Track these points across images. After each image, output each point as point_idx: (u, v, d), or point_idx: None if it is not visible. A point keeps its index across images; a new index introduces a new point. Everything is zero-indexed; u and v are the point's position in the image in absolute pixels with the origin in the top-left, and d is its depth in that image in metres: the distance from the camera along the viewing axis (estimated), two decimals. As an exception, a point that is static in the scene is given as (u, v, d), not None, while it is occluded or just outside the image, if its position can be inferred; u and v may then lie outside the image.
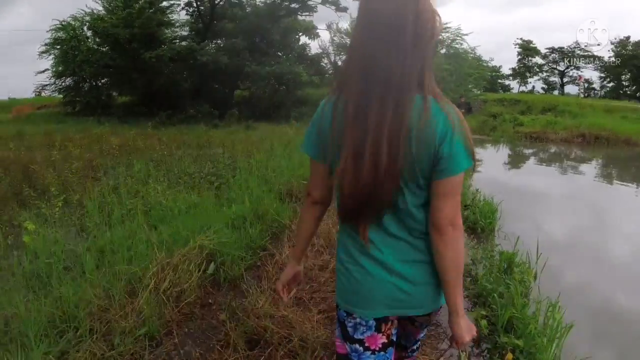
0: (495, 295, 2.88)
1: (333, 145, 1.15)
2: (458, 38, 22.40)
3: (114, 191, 5.47)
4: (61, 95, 26.08)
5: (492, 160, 12.12)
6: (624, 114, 25.81)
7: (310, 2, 22.44)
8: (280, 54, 23.68)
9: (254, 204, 4.52)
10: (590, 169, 11.84)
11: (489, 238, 4.50)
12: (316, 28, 25.27)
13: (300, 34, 25.50)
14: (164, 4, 24.95)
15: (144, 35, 21.27)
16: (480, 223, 4.65)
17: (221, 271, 3.29)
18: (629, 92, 58.55)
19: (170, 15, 25.29)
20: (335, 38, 25.51)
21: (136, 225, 3.91)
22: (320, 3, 22.34)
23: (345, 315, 1.29)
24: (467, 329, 1.24)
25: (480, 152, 13.67)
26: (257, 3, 23.94)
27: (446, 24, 21.98)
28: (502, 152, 13.87)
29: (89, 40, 24.61)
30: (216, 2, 22.62)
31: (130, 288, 2.91)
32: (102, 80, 25.81)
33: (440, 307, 1.29)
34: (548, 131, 16.27)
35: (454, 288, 1.19)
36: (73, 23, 24.82)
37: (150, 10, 23.17)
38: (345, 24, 24.70)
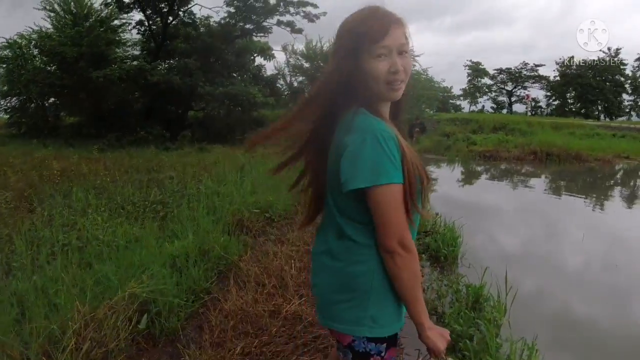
0: (467, 340, 2.58)
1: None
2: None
3: (48, 224, 4.95)
4: (7, 116, 24.78)
5: (448, 180, 12.12)
6: (571, 130, 26.89)
7: (265, 24, 22.29)
8: (235, 74, 23.31)
9: (199, 238, 4.08)
10: (545, 184, 12.13)
11: (453, 267, 4.26)
12: (272, 49, 25.17)
13: (255, 54, 25.29)
14: (115, 22, 24.40)
15: (92, 54, 20.44)
16: (442, 251, 4.39)
17: (157, 323, 2.83)
18: (574, 109, 61.35)
19: (122, 34, 24.79)
20: (290, 59, 25.47)
21: (66, 265, 3.41)
22: (275, 24, 22.24)
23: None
24: (439, 338, 1.23)
25: (436, 172, 13.71)
26: (211, 23, 23.60)
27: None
28: (457, 171, 13.96)
29: (36, 59, 23.56)
30: (168, 21, 22.04)
31: (45, 350, 2.43)
32: (50, 101, 24.74)
33: (354, 340, 1.23)
34: (500, 149, 16.58)
35: (413, 307, 1.20)
36: (20, 41, 23.79)
37: (101, 29, 22.46)
38: (300, 46, 24.74)
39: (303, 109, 1.32)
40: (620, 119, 55.80)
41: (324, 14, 21.78)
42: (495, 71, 69.23)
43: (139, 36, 24.48)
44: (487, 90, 70.56)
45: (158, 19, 22.39)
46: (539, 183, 12.18)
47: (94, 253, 4.00)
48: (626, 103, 61.42)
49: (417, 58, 23.11)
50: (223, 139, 19.88)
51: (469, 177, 13.30)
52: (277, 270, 3.50)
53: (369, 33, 1.17)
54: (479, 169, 14.42)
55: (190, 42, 21.68)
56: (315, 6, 21.24)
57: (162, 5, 21.62)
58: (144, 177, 9.90)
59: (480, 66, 69.47)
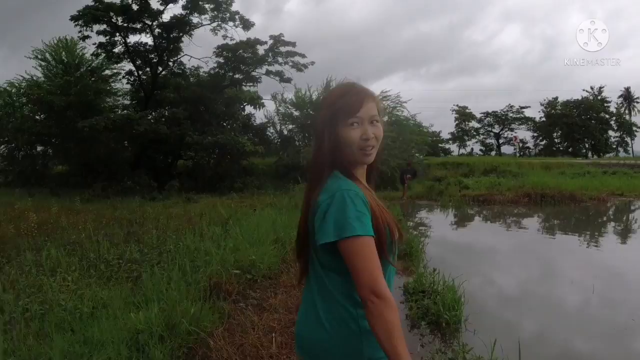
0: None
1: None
2: (398, 105, 22.90)
3: (11, 286, 4.53)
4: (-4, 164, 24.54)
5: (442, 226, 11.68)
6: (561, 170, 26.92)
7: (254, 73, 22.45)
8: (224, 123, 23.24)
9: (168, 307, 3.60)
10: (545, 227, 11.72)
11: (457, 335, 3.76)
12: (261, 98, 25.24)
13: (245, 103, 25.38)
14: (107, 72, 24.53)
15: (80, 103, 20.41)
16: (444, 316, 3.91)
17: None
18: (561, 148, 62.25)
19: (112, 84, 24.90)
20: (280, 108, 25.53)
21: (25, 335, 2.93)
22: (264, 74, 22.41)
23: None
24: None
25: (430, 218, 13.36)
26: (201, 73, 23.78)
27: (387, 91, 22.54)
28: (452, 217, 13.53)
29: (25, 107, 23.59)
30: (158, 71, 22.15)
31: None
32: (38, 149, 24.54)
33: None
34: (494, 193, 16.28)
35: (394, 356, 1.16)
36: (9, 89, 23.84)
37: (92, 79, 22.56)
38: (290, 94, 24.87)
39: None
40: (608, 155, 56.55)
41: (312, 63, 22.04)
42: (482, 114, 70.65)
43: (129, 86, 24.64)
44: (475, 133, 71.69)
45: (147, 69, 22.48)
46: (537, 225, 11.83)
47: (55, 321, 3.56)
48: (612, 140, 62.35)
49: (405, 104, 23.28)
50: (213, 188, 19.53)
51: (463, 222, 12.89)
52: (254, 348, 3.00)
53: (344, 107, 1.35)
54: (473, 214, 14.05)
55: (180, 92, 21.69)
56: (303, 56, 21.54)
57: (152, 56, 21.80)
58: (124, 230, 9.46)
59: (467, 110, 70.89)
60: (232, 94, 23.09)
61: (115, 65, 23.40)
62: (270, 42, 21.11)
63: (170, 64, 22.87)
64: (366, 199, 1.26)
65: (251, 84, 22.73)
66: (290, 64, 21.60)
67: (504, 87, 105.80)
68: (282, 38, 20.77)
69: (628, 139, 61.74)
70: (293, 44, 20.86)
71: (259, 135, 24.58)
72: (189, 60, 24.08)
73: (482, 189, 17.64)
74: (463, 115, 71.24)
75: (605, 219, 13.58)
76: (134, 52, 21.29)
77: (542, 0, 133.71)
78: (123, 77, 23.60)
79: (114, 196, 17.37)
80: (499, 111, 69.30)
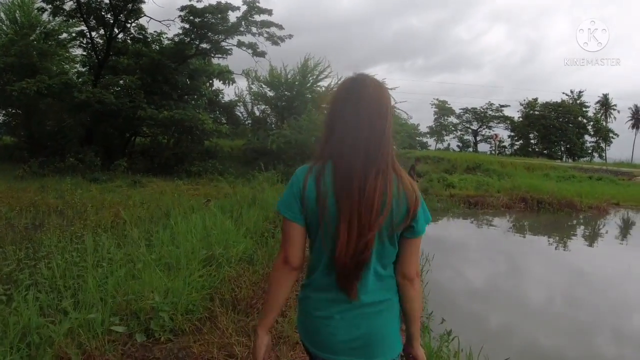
0: None
1: (321, 212, 1.32)
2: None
3: None
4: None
5: (439, 241, 9.63)
6: (545, 171, 25.82)
7: (224, 44, 19.95)
8: (187, 98, 20.74)
9: None
10: (570, 249, 9.70)
11: None
12: (232, 73, 22.84)
13: (213, 78, 22.90)
14: (65, 35, 21.66)
15: (21, 65, 17.60)
16: None
17: None
18: (537, 150, 62.10)
19: (72, 50, 22.16)
20: (253, 86, 23.09)
21: None
22: (235, 45, 19.92)
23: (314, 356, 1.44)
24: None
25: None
26: (165, 41, 21.10)
27: (372, 75, 20.49)
28: (445, 226, 11.51)
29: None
30: (114, 34, 19.34)
31: None
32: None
33: (398, 356, 1.43)
34: (485, 195, 14.49)
35: (418, 322, 1.47)
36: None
37: (48, 43, 19.78)
38: (264, 72, 22.45)
39: None
40: (582, 159, 56.52)
41: (290, 36, 19.70)
42: (461, 110, 70.10)
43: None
44: (453, 128, 71.10)
45: (102, 30, 19.67)
46: (550, 242, 9.96)
47: None
48: (588, 144, 62.40)
49: (391, 91, 21.29)
50: (170, 170, 17.20)
51: (463, 236, 10.75)
52: None
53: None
54: (465, 219, 12.17)
55: (136, 59, 19.06)
56: (280, 27, 19.13)
57: (108, 16, 18.98)
58: (29, 222, 7.36)
59: (447, 105, 70.06)
60: (198, 66, 20.65)
61: (75, 28, 20.66)
62: (243, 8, 18.62)
63: (129, 26, 20.06)
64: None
65: (220, 55, 20.25)
66: (265, 35, 19.20)
67: (484, 87, 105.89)
68: (258, 4, 18.28)
69: (603, 145, 61.87)
70: (269, 12, 18.43)
71: (227, 114, 22.19)
72: (148, 22, 21.13)
73: (469, 189, 15.91)
74: (442, 109, 70.56)
75: (620, 233, 11.88)
76: (87, 10, 18.42)
77: (529, 4, 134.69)
78: (74, 38, 20.71)
79: (53, 174, 14.95)
80: (478, 108, 68.85)
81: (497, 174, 22.04)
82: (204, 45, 19.99)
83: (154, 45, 20.71)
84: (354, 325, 1.37)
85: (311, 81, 22.10)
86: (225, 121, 22.37)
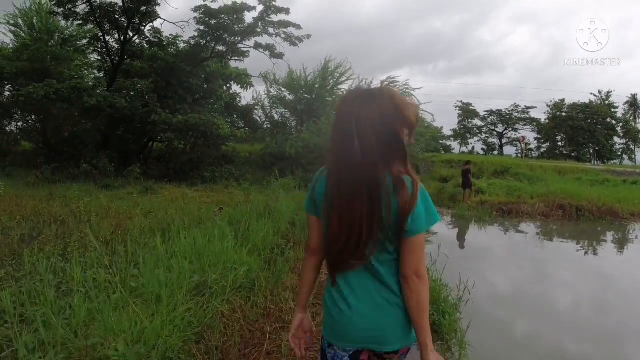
0: None
1: (325, 205, 1.48)
2: (406, 93, 19.97)
3: None
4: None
5: (474, 258, 8.64)
6: (577, 175, 24.51)
7: (240, 46, 19.38)
8: (204, 102, 20.22)
9: None
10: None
11: None
12: (249, 76, 22.29)
13: (231, 82, 22.37)
14: (84, 42, 21.41)
15: (34, 70, 17.36)
16: None
17: None
18: (565, 152, 60.33)
19: (91, 56, 21.95)
20: (271, 89, 22.43)
21: None
22: (252, 47, 19.33)
23: (327, 345, 1.57)
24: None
25: (449, 239, 10.30)
26: (180, 44, 20.64)
27: (394, 77, 19.70)
28: (478, 238, 10.44)
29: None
30: (128, 37, 18.93)
31: None
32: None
33: (409, 347, 1.52)
34: (519, 202, 13.40)
35: (420, 327, 1.45)
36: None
37: (66, 49, 19.60)
38: (283, 74, 21.81)
39: None
40: (612, 162, 54.51)
41: (308, 36, 19.00)
42: (486, 112, 68.63)
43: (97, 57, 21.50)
44: (477, 131, 69.65)
45: (117, 34, 19.29)
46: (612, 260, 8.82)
47: None
48: (617, 146, 60.17)
49: (413, 92, 20.45)
50: (186, 176, 16.66)
51: (502, 250, 9.53)
52: None
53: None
54: (500, 227, 11.13)
55: (150, 62, 18.61)
56: (298, 27, 18.45)
57: (123, 19, 18.59)
58: (25, 232, 6.83)
59: (471, 107, 68.64)
60: (215, 69, 20.13)
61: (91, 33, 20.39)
62: (260, 8, 17.99)
63: (144, 29, 19.67)
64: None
65: (237, 58, 19.67)
66: (283, 36, 18.54)
67: (509, 87, 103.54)
68: (274, 3, 17.61)
69: (633, 146, 59.47)
70: (286, 11, 17.74)
71: (245, 118, 21.58)
72: (162, 25, 20.73)
73: (500, 195, 14.84)
74: (467, 112, 69.16)
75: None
76: (100, 14, 18.05)
77: (553, 5, 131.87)
78: (89, 43, 20.42)
79: (65, 181, 14.59)
80: (503, 110, 67.29)
81: (528, 178, 20.89)
82: (220, 48, 19.46)
83: (170, 49, 20.27)
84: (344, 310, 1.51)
85: (332, 84, 21.38)
86: (243, 125, 21.77)
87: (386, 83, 19.80)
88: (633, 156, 58.89)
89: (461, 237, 10.11)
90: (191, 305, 3.22)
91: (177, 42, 20.43)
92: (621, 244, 10.34)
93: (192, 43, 19.31)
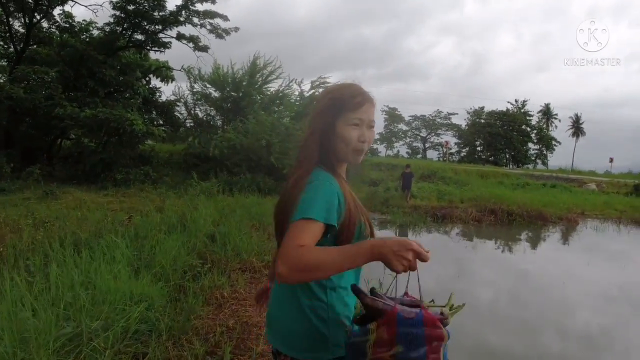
0: None
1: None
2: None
3: None
4: None
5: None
6: (498, 179, 25.55)
7: (161, 35, 17.78)
8: (118, 96, 18.36)
9: None
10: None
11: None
12: (171, 69, 20.60)
13: (150, 75, 20.56)
14: None
15: None
16: None
17: None
18: (483, 157, 63.69)
19: None
20: (195, 85, 20.83)
21: None
22: (174, 38, 17.81)
23: None
24: (396, 248, 1.08)
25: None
26: (93, 30, 18.58)
27: (325, 77, 19.04)
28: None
29: None
30: (35, 21, 16.66)
31: None
32: None
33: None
34: (449, 205, 13.22)
35: (346, 263, 1.10)
36: None
37: None
38: (209, 69, 20.32)
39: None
40: (526, 166, 58.23)
41: (236, 29, 17.84)
42: (411, 117, 70.93)
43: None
44: (403, 135, 71.76)
45: (22, 17, 16.95)
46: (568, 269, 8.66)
47: None
48: (532, 152, 64.49)
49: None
50: (96, 179, 14.84)
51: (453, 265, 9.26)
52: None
53: (347, 102, 1.34)
54: (443, 234, 10.75)
55: (57, 49, 16.52)
56: (225, 18, 17.24)
57: (30, 0, 16.29)
58: None
59: (397, 112, 70.51)
60: (132, 60, 18.34)
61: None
62: (183, -6, 16.54)
63: (53, 12, 17.48)
64: (342, 192, 1.28)
65: (157, 48, 18.05)
66: (209, 27, 17.23)
67: (432, 94, 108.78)
68: (200, -9, 16.29)
69: (546, 152, 64.04)
70: (212, 0, 16.48)
71: (165, 115, 19.91)
72: (72, 7, 18.58)
73: (432, 199, 14.66)
74: (393, 116, 70.95)
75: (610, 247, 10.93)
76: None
77: (476, 19, 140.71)
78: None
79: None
80: (427, 115, 69.91)
81: (454, 182, 21.24)
82: (138, 37, 17.76)
83: (83, 36, 18.20)
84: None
85: (260, 82, 20.29)
86: (162, 123, 20.07)
87: (317, 83, 19.13)
88: (546, 161, 63.36)
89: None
90: None
91: (91, 28, 18.38)
92: (556, 246, 10.44)
93: (107, 30, 17.44)
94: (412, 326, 1.07)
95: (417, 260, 1.07)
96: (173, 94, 20.30)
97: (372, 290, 1.17)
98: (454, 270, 7.31)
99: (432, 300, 1.18)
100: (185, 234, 5.32)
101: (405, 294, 1.22)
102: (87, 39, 17.89)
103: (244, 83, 19.46)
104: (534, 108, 66.76)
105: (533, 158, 64.22)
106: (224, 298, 3.74)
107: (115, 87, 17.89)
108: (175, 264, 4.25)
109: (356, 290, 1.15)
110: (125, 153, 15.99)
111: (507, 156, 64.07)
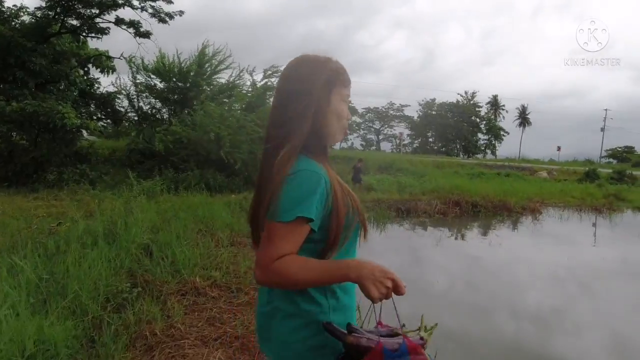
0: None
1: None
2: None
3: None
4: None
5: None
6: (454, 169, 25.71)
7: (98, 20, 16.25)
8: (51, 87, 16.68)
9: None
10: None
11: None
12: (112, 59, 19.01)
13: (88, 64, 18.91)
14: None
15: None
16: None
17: None
18: (435, 148, 64.97)
19: None
20: (138, 76, 19.29)
21: None
22: (113, 23, 16.31)
23: None
24: (377, 274, 1.06)
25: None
26: (24, 16, 16.77)
27: (277, 67, 18.07)
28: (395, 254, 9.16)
29: None
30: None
31: None
32: None
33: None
34: (415, 200, 12.70)
35: (319, 282, 1.09)
36: None
37: None
38: (152, 58, 18.86)
39: None
40: (476, 156, 59.69)
41: (181, 13, 16.58)
42: (364, 110, 71.15)
43: None
44: (356, 127, 71.86)
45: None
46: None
47: None
48: (481, 142, 66.24)
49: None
50: (27, 180, 13.32)
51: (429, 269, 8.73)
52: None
53: (343, 76, 1.27)
54: (411, 232, 10.18)
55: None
56: (168, 1, 15.94)
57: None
58: None
59: (350, 104, 70.34)
60: (67, 48, 16.70)
61: None
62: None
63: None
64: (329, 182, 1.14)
65: (94, 35, 16.51)
66: (150, 10, 15.87)
67: (385, 86, 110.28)
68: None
69: (495, 142, 65.91)
70: (154, -20, 15.15)
71: (105, 107, 18.36)
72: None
73: (392, 192, 14.13)
74: (346, 108, 70.80)
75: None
76: None
77: (426, 14, 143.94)
78: None
79: None
80: (380, 108, 70.37)
81: (411, 174, 20.96)
82: (73, 22, 16.15)
83: (13, 22, 16.37)
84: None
85: (209, 71, 19.06)
86: (103, 116, 18.51)
87: (269, 72, 18.15)
88: (495, 150, 65.20)
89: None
90: None
91: (21, 13, 16.53)
92: (530, 237, 10.26)
93: (39, 15, 15.72)
94: (398, 358, 1.06)
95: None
96: (113, 85, 18.65)
97: (349, 325, 1.13)
98: (430, 269, 6.77)
99: (404, 325, 1.15)
100: (115, 246, 4.35)
101: (379, 323, 1.19)
102: (17, 26, 16.11)
103: (191, 73, 18.19)
104: (482, 100, 68.58)
105: (483, 148, 66.01)
106: (155, 337, 2.85)
107: (47, 77, 16.19)
108: (96, 290, 3.32)
109: (331, 330, 1.10)
110: (59, 150, 14.49)
111: (458, 146, 65.60)
